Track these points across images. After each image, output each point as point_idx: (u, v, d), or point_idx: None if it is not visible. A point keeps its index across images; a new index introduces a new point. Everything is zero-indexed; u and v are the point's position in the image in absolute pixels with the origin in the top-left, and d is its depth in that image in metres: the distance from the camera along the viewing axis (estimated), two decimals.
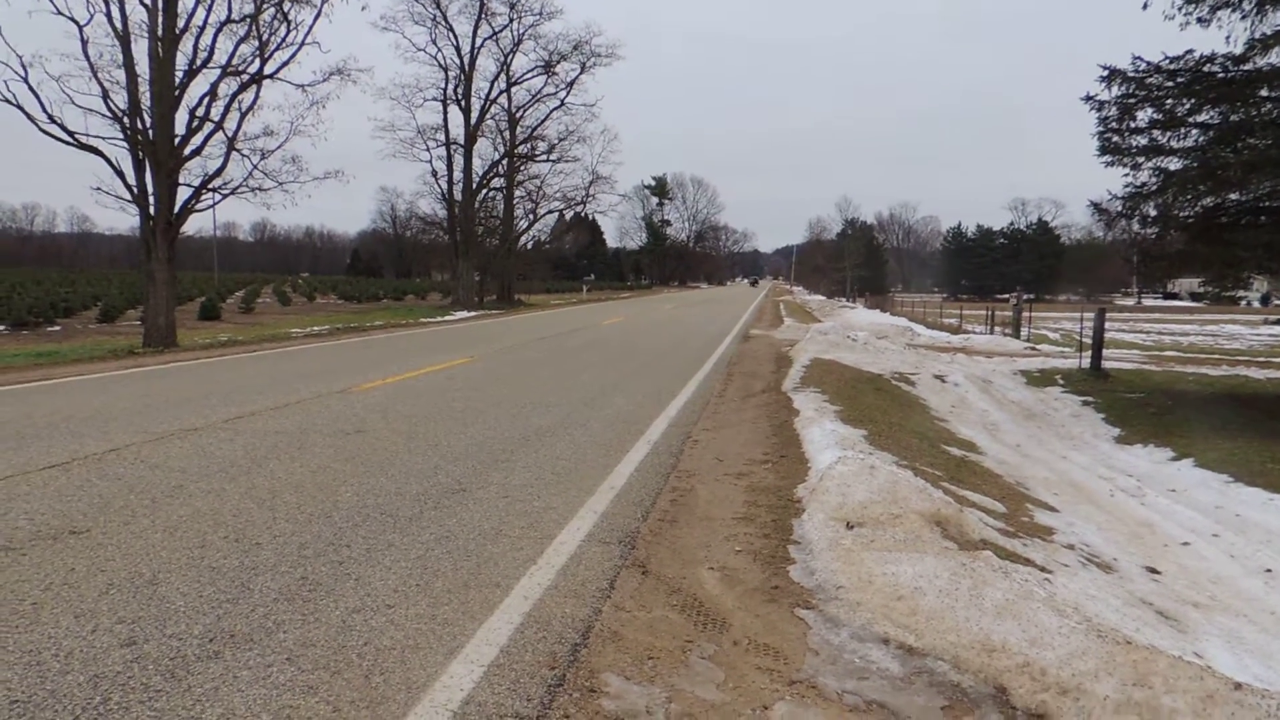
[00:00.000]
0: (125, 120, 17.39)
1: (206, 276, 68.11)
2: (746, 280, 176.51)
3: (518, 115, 45.52)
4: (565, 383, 12.07)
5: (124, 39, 17.28)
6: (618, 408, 9.94)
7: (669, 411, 9.86)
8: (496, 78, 43.58)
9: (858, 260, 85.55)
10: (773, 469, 6.92)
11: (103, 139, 17.57)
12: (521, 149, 45.76)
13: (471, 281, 42.17)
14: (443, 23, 40.64)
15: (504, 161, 45.44)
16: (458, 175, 42.40)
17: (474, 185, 42.70)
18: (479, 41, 41.64)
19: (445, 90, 41.60)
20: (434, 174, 43.01)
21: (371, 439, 7.67)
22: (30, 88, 16.40)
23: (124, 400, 9.71)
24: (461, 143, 42.05)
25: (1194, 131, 11.42)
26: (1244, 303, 70.87)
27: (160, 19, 17.57)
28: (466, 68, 41.56)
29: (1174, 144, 11.56)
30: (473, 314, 34.72)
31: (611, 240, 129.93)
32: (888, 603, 3.93)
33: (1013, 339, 23.01)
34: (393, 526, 5.09)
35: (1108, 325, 16.12)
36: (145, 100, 17.69)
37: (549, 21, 43.26)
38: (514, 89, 44.83)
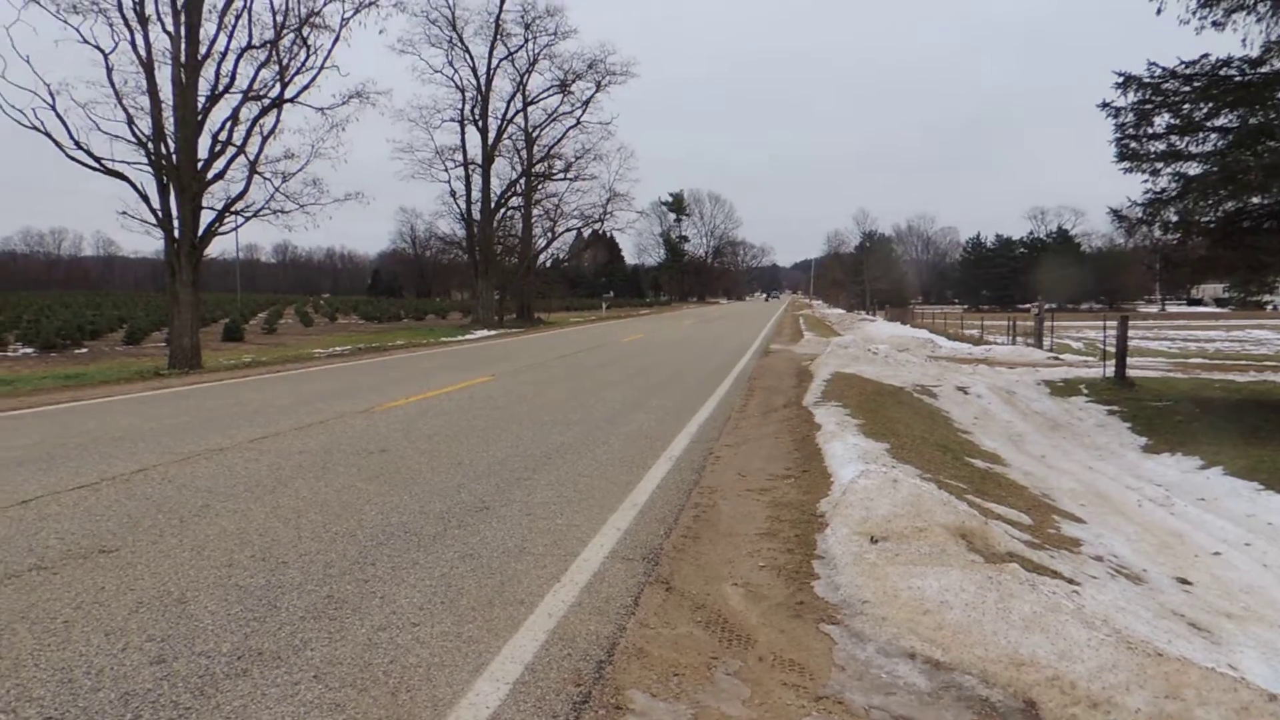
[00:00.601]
0: (150, 145, 17.67)
1: (230, 298, 68.84)
2: (762, 295, 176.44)
3: (534, 134, 45.90)
4: (586, 400, 12.10)
5: (148, 66, 17.57)
6: (639, 424, 9.95)
7: (690, 428, 9.86)
8: (513, 98, 44.01)
9: (876, 273, 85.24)
10: (795, 484, 6.90)
11: (128, 164, 17.89)
12: (539, 168, 46.08)
13: (491, 300, 42.37)
14: (459, 45, 41.09)
15: (521, 180, 45.77)
16: (476, 195, 42.78)
17: (492, 205, 43.00)
18: (495, 62, 42.09)
19: (462, 111, 42.04)
20: (452, 194, 43.44)
21: (395, 458, 7.72)
22: (58, 115, 16.72)
23: (151, 421, 9.81)
24: (479, 163, 42.39)
25: (1213, 136, 11.34)
26: (1270, 307, 69.87)
27: (183, 46, 17.86)
28: (483, 88, 41.95)
29: (1193, 149, 11.48)
30: (493, 333, 34.88)
31: (630, 257, 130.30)
32: (913, 617, 3.91)
33: (1035, 349, 22.83)
34: (417, 545, 5.11)
35: (1131, 333, 16.00)
36: (169, 125, 17.98)
37: (564, 41, 43.79)
38: (530, 108, 45.27)
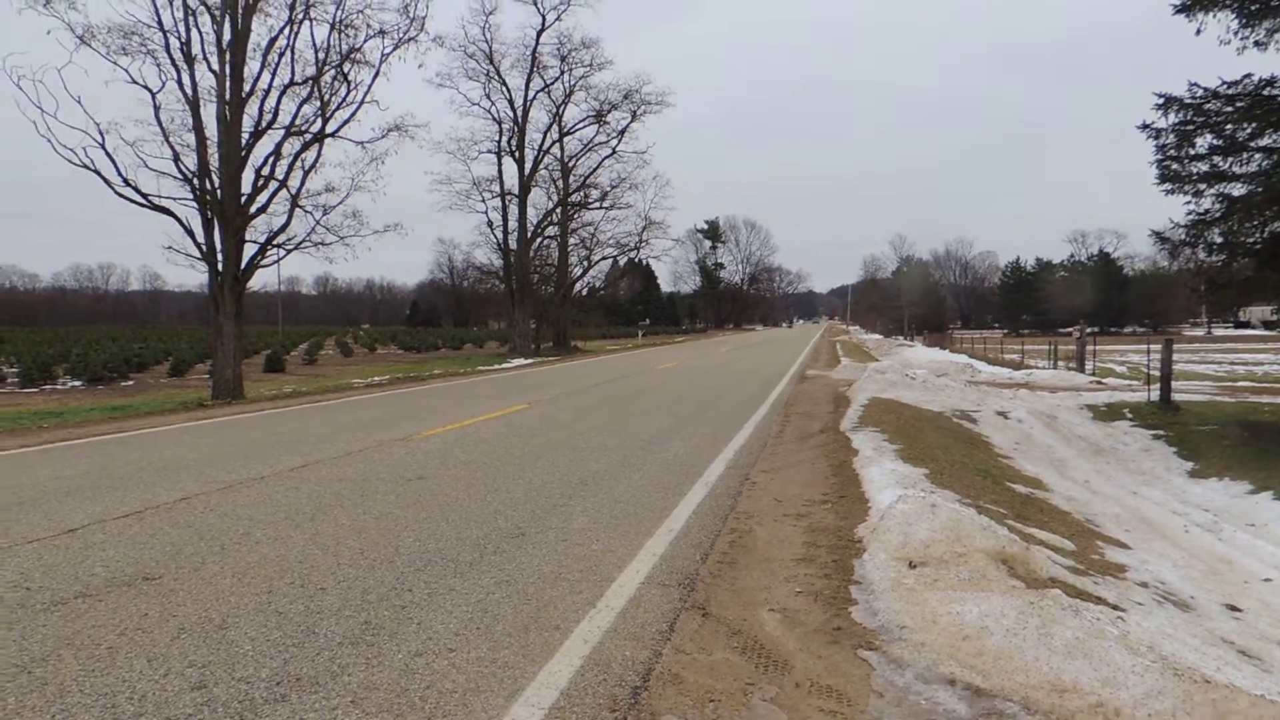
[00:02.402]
0: (195, 181, 18.11)
1: (272, 330, 70.01)
2: (799, 320, 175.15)
3: (570, 164, 46.35)
4: (622, 427, 12.11)
5: (194, 104, 18.07)
6: (674, 451, 9.94)
7: (726, 454, 9.82)
8: (549, 128, 44.52)
9: (914, 298, 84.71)
10: (832, 509, 6.84)
11: (174, 199, 18.34)
12: (574, 197, 46.51)
13: (528, 329, 42.65)
14: (496, 78, 41.72)
15: (558, 210, 46.18)
16: (513, 225, 43.18)
17: (529, 234, 43.39)
18: (531, 94, 42.63)
19: (499, 142, 42.58)
20: (489, 224, 43.90)
21: (432, 485, 7.77)
22: (107, 153, 17.19)
23: (194, 451, 9.98)
24: (516, 193, 42.85)
25: (1257, 156, 11.19)
26: None
27: (228, 84, 18.36)
28: (519, 120, 42.49)
29: (1236, 169, 11.34)
30: (529, 361, 35.05)
31: (665, 285, 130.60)
32: (953, 643, 3.85)
33: (1077, 373, 22.49)
34: (453, 571, 5.14)
35: (1176, 356, 15.71)
36: (214, 161, 18.42)
37: (599, 72, 44.14)
38: (566, 139, 45.73)
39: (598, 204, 47.54)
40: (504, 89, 42.16)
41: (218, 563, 5.29)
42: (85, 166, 17.06)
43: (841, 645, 4.05)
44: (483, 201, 43.53)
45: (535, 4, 40.67)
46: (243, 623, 4.25)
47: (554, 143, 45.08)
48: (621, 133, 45.41)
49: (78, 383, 24.61)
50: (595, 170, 46.76)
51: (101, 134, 17.13)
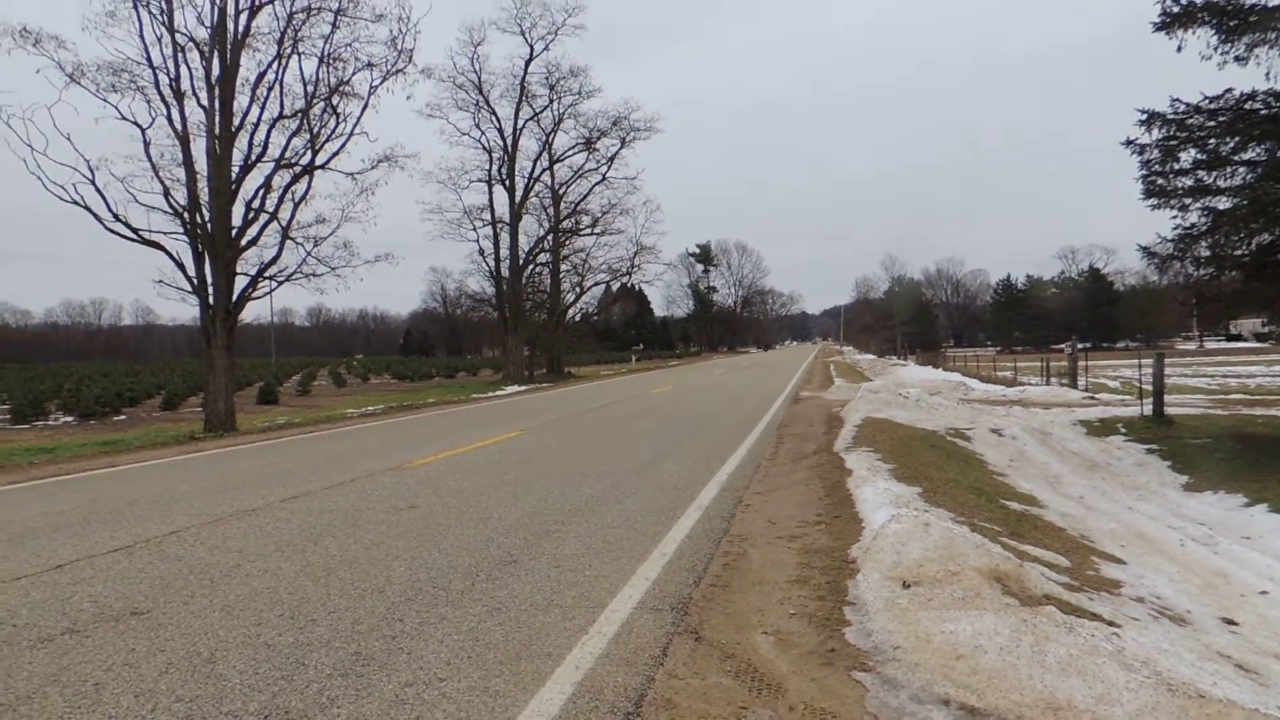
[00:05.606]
0: (185, 215, 18.15)
1: (265, 362, 69.88)
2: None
3: (561, 191, 46.58)
4: (615, 452, 12.08)
5: (183, 139, 18.14)
6: (668, 474, 9.91)
7: (720, 476, 9.79)
8: (539, 156, 44.75)
9: (906, 317, 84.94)
10: (826, 530, 6.81)
11: (164, 234, 18.40)
12: (566, 224, 46.68)
13: (521, 356, 42.61)
14: (485, 107, 41.97)
15: (549, 237, 46.35)
16: (504, 252, 43.26)
17: (520, 261, 43.46)
18: (521, 123, 42.91)
19: (490, 171, 42.78)
20: (481, 252, 43.98)
21: (424, 514, 7.73)
22: (97, 189, 17.25)
23: (185, 484, 9.92)
24: (507, 221, 42.96)
25: (1241, 169, 11.27)
26: None
27: (217, 118, 18.45)
28: (509, 149, 42.69)
29: (1221, 183, 11.41)
30: (523, 388, 35.01)
31: (658, 309, 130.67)
32: (947, 662, 3.82)
33: (1070, 389, 22.52)
34: (445, 600, 5.10)
35: (1169, 370, 15.75)
36: (204, 195, 18.50)
37: (588, 100, 44.47)
38: (556, 166, 46.03)
39: (589, 230, 47.77)
40: (493, 118, 42.47)
41: (207, 596, 5.25)
42: (76, 203, 17.13)
43: (835, 667, 4.02)
44: (474, 230, 43.73)
45: (523, 34, 41.12)
46: (231, 656, 4.21)
47: (544, 170, 45.39)
48: (611, 159, 45.73)
49: (70, 418, 24.52)
50: (586, 197, 47.02)
51: (91, 170, 17.21)
